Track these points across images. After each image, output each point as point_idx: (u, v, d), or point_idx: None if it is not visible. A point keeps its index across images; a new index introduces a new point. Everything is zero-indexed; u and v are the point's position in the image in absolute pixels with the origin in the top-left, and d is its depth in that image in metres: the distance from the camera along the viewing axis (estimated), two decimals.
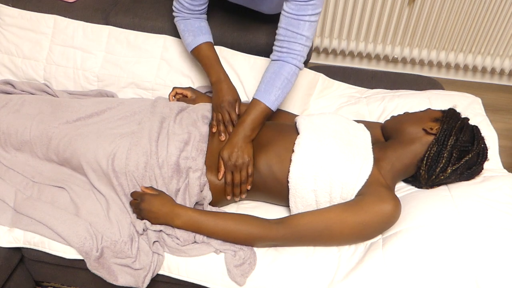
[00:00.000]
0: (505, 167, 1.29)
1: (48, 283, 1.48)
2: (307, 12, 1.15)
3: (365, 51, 2.33)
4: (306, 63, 1.54)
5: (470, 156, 1.12)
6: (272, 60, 1.24)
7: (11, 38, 1.57)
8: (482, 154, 1.14)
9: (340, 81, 1.58)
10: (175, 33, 1.55)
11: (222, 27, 1.56)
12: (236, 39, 1.55)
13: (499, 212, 1.06)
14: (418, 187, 1.21)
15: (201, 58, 1.33)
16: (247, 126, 1.19)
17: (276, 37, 1.22)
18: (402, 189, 1.22)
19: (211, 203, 1.20)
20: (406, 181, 1.24)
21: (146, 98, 1.42)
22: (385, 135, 1.27)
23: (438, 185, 1.17)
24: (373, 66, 2.47)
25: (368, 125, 1.33)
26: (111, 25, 1.58)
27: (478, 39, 2.22)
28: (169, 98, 1.39)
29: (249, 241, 1.08)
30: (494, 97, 2.36)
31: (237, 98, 1.28)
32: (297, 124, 1.23)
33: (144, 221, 1.12)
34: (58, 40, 1.55)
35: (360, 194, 1.09)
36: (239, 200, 1.21)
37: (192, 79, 1.51)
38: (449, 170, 1.12)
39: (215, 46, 1.50)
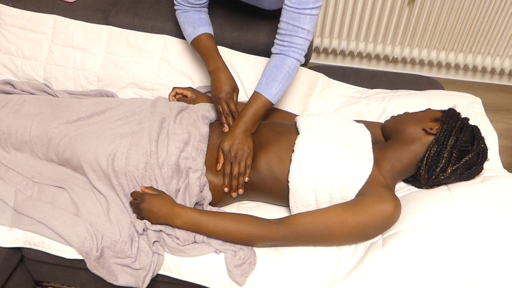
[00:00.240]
0: (505, 167, 1.29)
1: (48, 283, 1.48)
2: (308, 5, 1.16)
3: (365, 51, 2.33)
4: (306, 63, 1.55)
5: (470, 156, 1.12)
6: (273, 54, 1.25)
7: (11, 38, 1.57)
8: (482, 154, 1.14)
9: (340, 81, 1.58)
10: (175, 33, 1.55)
11: (222, 26, 1.56)
12: (236, 39, 1.55)
13: (499, 212, 1.06)
14: (418, 187, 1.21)
15: (200, 48, 1.32)
16: (248, 119, 1.20)
17: (278, 30, 1.23)
18: (402, 189, 1.22)
19: (211, 203, 1.20)
20: (406, 181, 1.24)
21: (146, 98, 1.42)
22: (385, 135, 1.27)
23: (438, 185, 1.17)
24: (373, 66, 2.47)
25: (368, 125, 1.33)
26: (111, 25, 1.58)
27: (478, 39, 2.22)
28: (169, 98, 1.39)
29: (249, 241, 1.08)
30: (494, 97, 2.36)
31: (235, 88, 1.27)
32: (297, 124, 1.23)
33: (144, 221, 1.12)
34: (58, 40, 1.55)
35: (360, 194, 1.09)
36: (236, 196, 1.20)
37: (192, 79, 1.51)
38: (449, 170, 1.12)
39: None
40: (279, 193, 1.17)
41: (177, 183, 1.16)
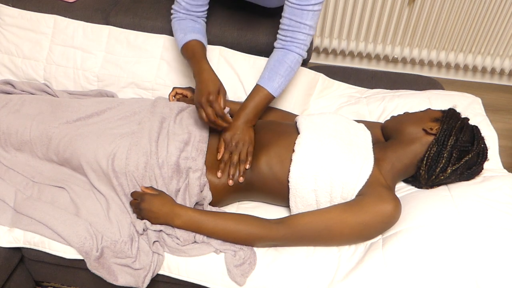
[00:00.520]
0: (505, 167, 1.29)
1: (48, 283, 1.48)
2: (310, 2, 1.17)
3: (365, 51, 2.33)
4: (306, 63, 1.55)
5: (470, 156, 1.12)
6: (276, 48, 1.26)
7: (11, 38, 1.57)
8: (482, 154, 1.14)
9: (340, 81, 1.58)
10: None
11: (222, 26, 1.56)
12: (236, 39, 1.55)
13: (499, 212, 1.06)
14: (418, 187, 1.21)
15: (187, 54, 1.26)
16: (250, 111, 1.22)
17: (280, 26, 1.24)
18: (402, 189, 1.22)
19: (211, 203, 1.20)
20: (406, 181, 1.24)
21: (146, 98, 1.42)
22: (385, 135, 1.27)
23: (438, 185, 1.17)
24: (373, 66, 2.47)
25: (368, 125, 1.33)
26: (111, 25, 1.58)
27: (478, 39, 2.22)
28: (169, 98, 1.39)
29: (249, 241, 1.08)
30: (494, 97, 2.36)
31: (219, 88, 1.16)
32: (297, 123, 1.23)
33: (144, 221, 1.12)
34: (58, 40, 1.55)
35: (361, 194, 1.09)
36: (232, 184, 1.16)
37: (192, 79, 1.51)
38: (449, 170, 1.12)
39: (215, 46, 1.50)
40: (279, 193, 1.17)
41: (177, 183, 1.16)
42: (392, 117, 1.27)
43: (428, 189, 1.18)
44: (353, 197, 1.10)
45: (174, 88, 1.41)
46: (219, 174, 1.17)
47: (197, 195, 1.14)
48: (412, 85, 1.57)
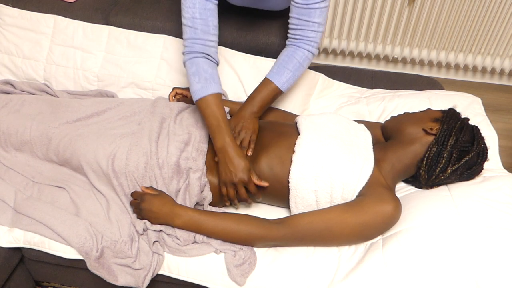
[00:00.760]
0: (505, 167, 1.29)
1: (48, 283, 1.48)
2: (316, 0, 1.18)
3: (365, 51, 2.33)
4: None
5: (470, 156, 1.11)
6: (287, 45, 1.28)
7: (11, 38, 1.57)
8: (482, 154, 1.14)
9: (340, 81, 1.58)
10: (175, 33, 1.55)
11: (222, 26, 1.55)
12: (236, 39, 1.55)
13: (499, 212, 1.06)
14: (418, 187, 1.21)
15: (208, 115, 1.16)
16: (256, 103, 1.24)
17: (289, 25, 1.25)
18: (402, 189, 1.22)
19: (211, 204, 1.20)
20: (406, 181, 1.24)
21: (146, 98, 1.42)
22: (385, 135, 1.27)
23: (438, 185, 1.17)
24: (373, 66, 2.47)
25: (368, 125, 1.33)
26: (111, 25, 1.58)
27: (478, 39, 2.22)
28: (169, 98, 1.39)
29: (249, 241, 1.08)
30: (494, 97, 2.36)
31: (249, 166, 1.13)
32: (297, 124, 1.23)
33: (144, 221, 1.12)
34: (58, 40, 1.55)
35: (361, 194, 1.09)
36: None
37: None
38: (449, 170, 1.12)
39: None
40: (279, 193, 1.17)
41: (177, 183, 1.16)
42: (392, 117, 1.27)
43: (428, 189, 1.18)
44: (353, 197, 1.10)
45: (174, 88, 1.41)
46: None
47: (197, 195, 1.14)
48: (412, 85, 1.57)
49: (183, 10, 1.18)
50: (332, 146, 1.13)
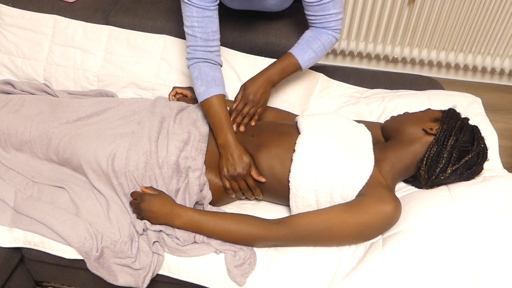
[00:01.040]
0: (505, 167, 1.29)
1: (48, 283, 1.48)
2: None
3: (365, 51, 2.33)
4: None
5: (470, 156, 1.11)
6: (310, 28, 1.31)
7: (11, 38, 1.57)
8: (482, 154, 1.14)
9: (340, 81, 1.58)
10: (175, 33, 1.55)
11: (222, 26, 1.55)
12: (236, 39, 1.55)
13: (499, 212, 1.06)
14: (418, 187, 1.21)
15: (210, 113, 1.21)
16: (275, 70, 1.26)
17: (308, 22, 1.29)
18: (402, 189, 1.22)
19: (211, 203, 1.20)
20: (406, 181, 1.24)
21: (146, 98, 1.42)
22: (385, 136, 1.27)
23: (438, 185, 1.17)
24: (373, 66, 2.47)
25: (368, 125, 1.33)
26: (111, 25, 1.58)
27: (478, 39, 2.22)
28: (169, 98, 1.39)
29: (249, 241, 1.08)
30: (494, 97, 2.36)
31: (249, 161, 1.17)
32: (298, 124, 1.23)
33: (144, 221, 1.12)
34: (58, 40, 1.55)
35: (361, 194, 1.09)
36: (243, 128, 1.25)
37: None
38: (449, 170, 1.12)
39: None
40: (279, 193, 1.17)
41: (177, 182, 1.16)
42: (392, 117, 1.27)
43: (428, 189, 1.18)
44: (353, 197, 1.10)
45: (174, 87, 1.41)
46: (234, 127, 1.23)
47: (197, 194, 1.14)
48: (412, 85, 1.57)
49: (183, 19, 1.21)
50: (332, 146, 1.13)
